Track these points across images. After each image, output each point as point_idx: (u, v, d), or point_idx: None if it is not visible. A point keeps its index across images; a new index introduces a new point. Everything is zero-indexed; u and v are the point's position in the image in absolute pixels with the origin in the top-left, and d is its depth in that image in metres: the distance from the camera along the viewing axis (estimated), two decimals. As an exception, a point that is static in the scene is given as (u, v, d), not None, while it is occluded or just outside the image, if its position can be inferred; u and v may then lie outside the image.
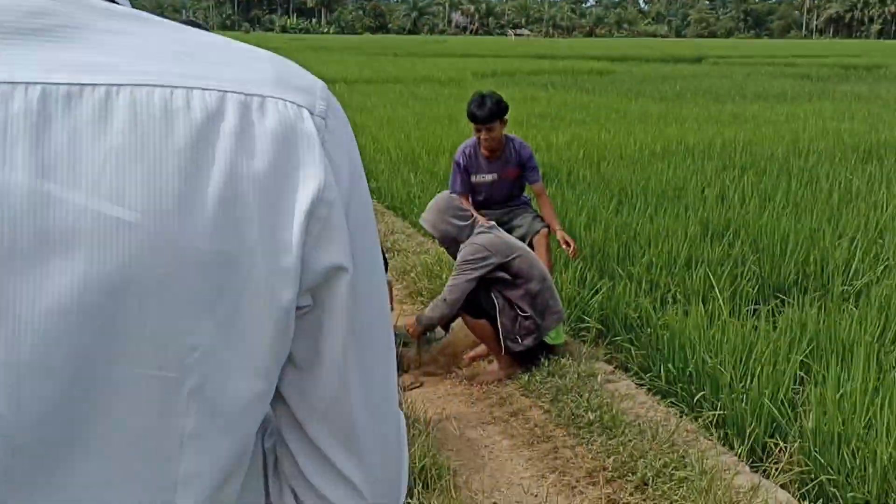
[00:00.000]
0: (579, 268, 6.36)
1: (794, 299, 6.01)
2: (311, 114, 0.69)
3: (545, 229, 5.25)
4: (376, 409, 0.77)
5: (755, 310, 5.83)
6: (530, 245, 5.07)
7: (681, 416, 3.85)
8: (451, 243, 4.44)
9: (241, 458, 0.72)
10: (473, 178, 5.41)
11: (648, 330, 5.21)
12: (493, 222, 4.54)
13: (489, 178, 5.40)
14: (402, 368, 4.57)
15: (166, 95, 0.63)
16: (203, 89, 0.65)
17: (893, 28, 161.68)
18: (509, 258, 4.29)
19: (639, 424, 3.60)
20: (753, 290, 6.14)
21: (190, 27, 0.71)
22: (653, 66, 39.96)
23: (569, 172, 9.81)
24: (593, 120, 15.68)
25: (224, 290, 0.65)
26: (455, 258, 4.49)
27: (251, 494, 0.78)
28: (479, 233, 4.38)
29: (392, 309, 4.69)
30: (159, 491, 0.67)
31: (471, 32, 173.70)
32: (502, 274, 4.30)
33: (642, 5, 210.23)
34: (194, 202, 0.63)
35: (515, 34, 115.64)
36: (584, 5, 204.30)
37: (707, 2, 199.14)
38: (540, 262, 4.49)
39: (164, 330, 0.63)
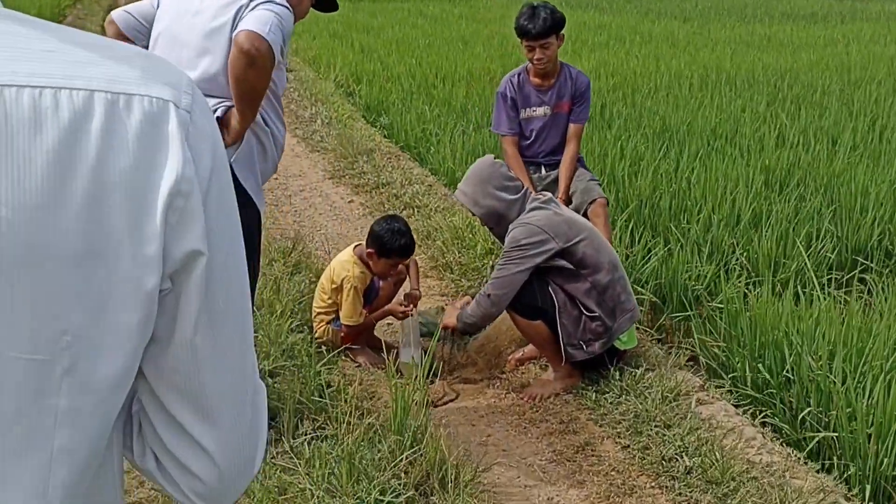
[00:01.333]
0: (630, 225, 5.45)
1: (878, 264, 5.14)
2: (177, 107, 0.73)
3: (603, 198, 4.31)
4: (231, 385, 0.81)
5: (835, 279, 4.97)
6: (584, 216, 4.15)
7: (805, 462, 2.97)
8: (498, 222, 3.51)
9: (107, 431, 0.77)
10: (522, 114, 4.46)
11: (711, 303, 4.37)
12: (549, 194, 3.59)
13: (540, 111, 4.46)
14: (432, 372, 3.68)
15: (35, 95, 0.67)
16: (71, 89, 0.68)
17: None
18: (572, 242, 3.37)
19: (755, 478, 2.72)
20: (833, 253, 5.24)
21: (64, 27, 0.75)
22: (669, -18, 38.32)
23: (602, 106, 8.78)
24: (617, 43, 14.53)
25: (93, 278, 0.70)
26: (502, 241, 3.57)
27: (106, 464, 0.80)
28: (533, 209, 3.44)
29: (419, 293, 3.82)
30: (36, 467, 0.72)
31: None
32: (563, 262, 3.39)
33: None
34: (63, 198, 0.67)
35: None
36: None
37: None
38: (609, 246, 3.56)
39: (36, 316, 0.68)
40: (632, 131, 7.77)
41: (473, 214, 3.61)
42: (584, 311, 3.37)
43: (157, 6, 2.90)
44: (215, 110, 2.69)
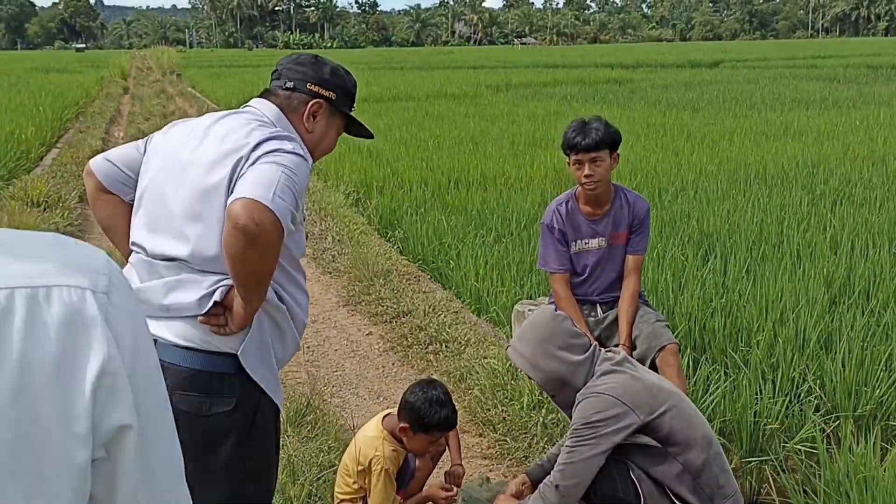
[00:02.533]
0: (687, 351, 4.81)
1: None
2: (94, 292, 0.79)
3: (674, 344, 3.65)
4: None
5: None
6: (652, 367, 3.50)
7: None
8: (561, 389, 2.86)
9: None
10: (573, 247, 3.86)
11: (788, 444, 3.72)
12: (622, 352, 2.95)
13: (594, 243, 3.86)
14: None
15: None
16: None
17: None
18: (656, 414, 2.72)
19: None
20: (918, 379, 4.58)
21: None
22: (670, 73, 38.57)
23: (630, 210, 8.19)
24: (632, 138, 14.11)
25: (27, 462, 0.74)
26: (565, 411, 2.92)
27: None
28: (605, 372, 2.81)
29: (462, 469, 3.18)
30: None
31: (475, 43, 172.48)
32: (646, 440, 2.74)
33: (646, 10, 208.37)
34: None
35: (521, 43, 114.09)
36: (587, 12, 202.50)
37: (710, 4, 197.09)
38: (699, 414, 2.90)
39: None
40: (666, 238, 7.19)
41: (530, 378, 2.97)
42: (676, 502, 2.70)
43: (144, 151, 2.33)
44: (213, 291, 2.10)
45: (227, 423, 2.15)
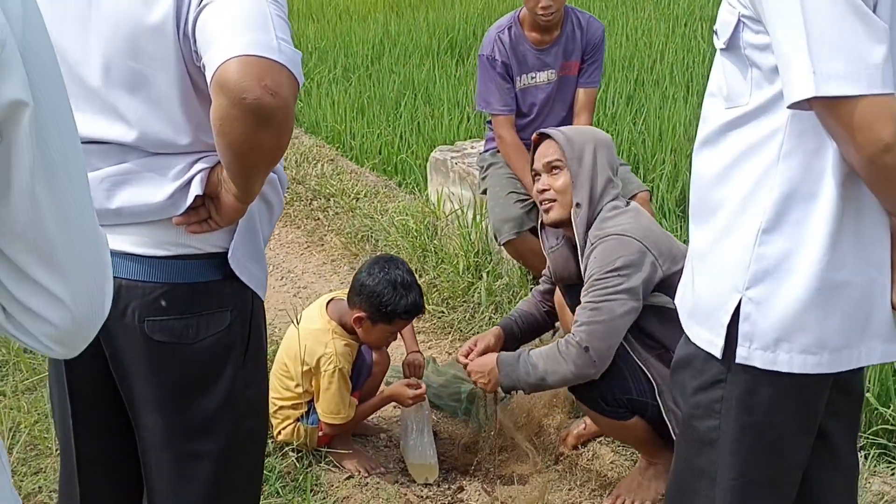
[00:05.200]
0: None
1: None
2: None
3: (646, 191, 3.20)
4: (73, 229, 0.80)
5: None
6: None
7: None
8: (575, 194, 2.37)
9: None
10: (518, 83, 3.27)
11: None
12: (632, 203, 2.49)
13: (542, 76, 3.27)
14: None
15: None
16: None
17: None
18: (678, 268, 2.24)
19: None
20: None
21: None
22: None
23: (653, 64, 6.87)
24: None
25: None
26: (555, 230, 2.49)
27: None
28: (620, 212, 2.35)
29: (422, 356, 2.72)
30: None
31: None
32: (662, 300, 2.30)
33: None
34: None
35: None
36: None
37: None
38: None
39: None
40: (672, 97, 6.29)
41: (553, 168, 2.40)
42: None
43: None
44: (188, 182, 1.40)
45: (223, 346, 1.50)
